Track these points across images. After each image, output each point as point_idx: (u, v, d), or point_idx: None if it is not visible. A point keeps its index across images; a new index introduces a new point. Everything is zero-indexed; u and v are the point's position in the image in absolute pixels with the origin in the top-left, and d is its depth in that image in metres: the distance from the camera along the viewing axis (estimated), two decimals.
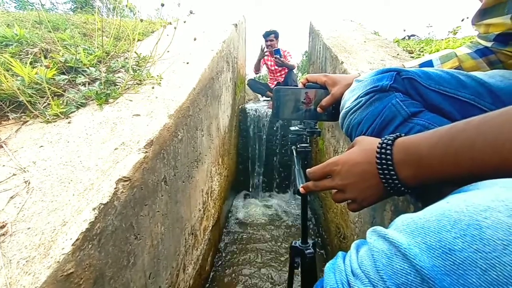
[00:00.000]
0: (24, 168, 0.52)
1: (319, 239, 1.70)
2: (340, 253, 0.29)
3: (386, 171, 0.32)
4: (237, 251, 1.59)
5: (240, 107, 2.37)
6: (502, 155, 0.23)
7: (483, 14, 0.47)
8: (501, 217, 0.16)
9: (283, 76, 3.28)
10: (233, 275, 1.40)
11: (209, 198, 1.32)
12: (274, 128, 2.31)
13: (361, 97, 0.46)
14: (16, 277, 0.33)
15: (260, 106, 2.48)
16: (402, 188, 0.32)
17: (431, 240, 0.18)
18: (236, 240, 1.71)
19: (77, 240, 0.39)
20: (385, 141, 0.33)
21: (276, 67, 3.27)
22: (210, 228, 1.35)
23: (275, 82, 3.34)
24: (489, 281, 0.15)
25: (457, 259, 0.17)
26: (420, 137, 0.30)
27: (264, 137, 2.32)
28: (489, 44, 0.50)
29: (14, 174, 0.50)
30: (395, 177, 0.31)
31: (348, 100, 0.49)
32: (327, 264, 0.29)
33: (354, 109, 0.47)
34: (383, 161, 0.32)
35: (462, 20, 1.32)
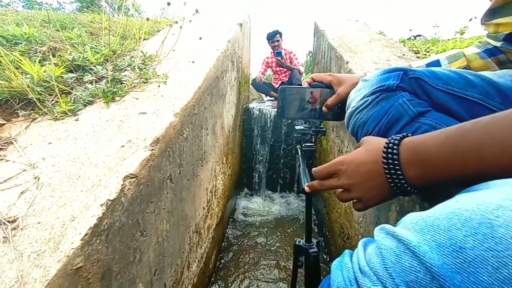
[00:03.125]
0: (34, 164, 0.53)
1: (323, 238, 1.70)
2: (346, 251, 0.29)
3: (392, 171, 0.32)
4: (240, 250, 1.60)
5: (244, 106, 2.37)
6: (511, 156, 0.23)
7: (492, 13, 0.46)
8: None
9: (287, 76, 3.27)
10: (237, 273, 1.40)
11: (213, 197, 1.33)
12: (279, 128, 2.31)
13: (367, 96, 0.46)
14: (28, 270, 0.34)
15: (264, 106, 2.48)
16: (409, 188, 0.31)
17: (441, 238, 0.18)
18: (240, 239, 1.71)
19: (85, 235, 0.40)
20: (391, 140, 0.33)
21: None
22: (214, 226, 1.36)
23: (279, 82, 3.34)
24: (501, 279, 0.15)
25: (468, 257, 0.17)
26: (427, 137, 0.30)
27: (269, 136, 2.32)
28: (498, 44, 0.49)
29: (24, 170, 0.51)
30: (401, 176, 0.31)
31: (354, 100, 0.49)
32: (334, 262, 0.29)
33: (360, 108, 0.47)
34: (390, 161, 0.32)
35: (470, 20, 1.31)
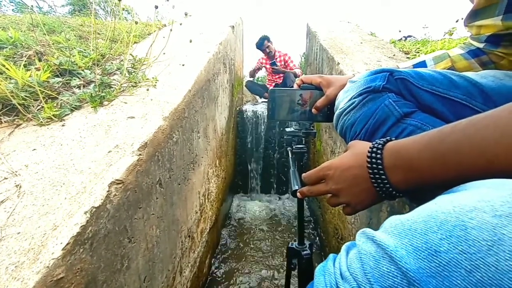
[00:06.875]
0: (16, 171, 0.52)
1: (318, 239, 1.70)
2: (331, 256, 0.29)
3: (377, 176, 0.32)
4: (235, 253, 1.58)
5: (237, 108, 2.37)
6: (488, 158, 0.23)
7: (474, 15, 0.47)
8: (486, 218, 0.16)
9: (282, 77, 3.29)
10: (232, 276, 1.39)
11: (206, 200, 1.32)
12: (272, 130, 2.31)
13: (355, 98, 0.46)
14: (4, 283, 0.33)
15: (258, 108, 2.48)
16: (394, 192, 0.31)
17: (418, 241, 0.18)
18: (234, 242, 1.70)
19: (67, 244, 0.39)
20: (375, 145, 0.33)
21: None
22: (208, 230, 1.34)
23: (273, 84, 3.34)
24: (473, 283, 0.15)
25: (443, 260, 0.16)
26: (410, 141, 0.30)
27: (262, 138, 2.32)
28: (481, 45, 0.50)
29: (5, 178, 0.50)
30: (386, 181, 0.31)
31: (342, 101, 0.49)
32: (318, 267, 0.28)
33: (347, 110, 0.47)
34: (374, 166, 0.32)
35: (457, 21, 1.33)
